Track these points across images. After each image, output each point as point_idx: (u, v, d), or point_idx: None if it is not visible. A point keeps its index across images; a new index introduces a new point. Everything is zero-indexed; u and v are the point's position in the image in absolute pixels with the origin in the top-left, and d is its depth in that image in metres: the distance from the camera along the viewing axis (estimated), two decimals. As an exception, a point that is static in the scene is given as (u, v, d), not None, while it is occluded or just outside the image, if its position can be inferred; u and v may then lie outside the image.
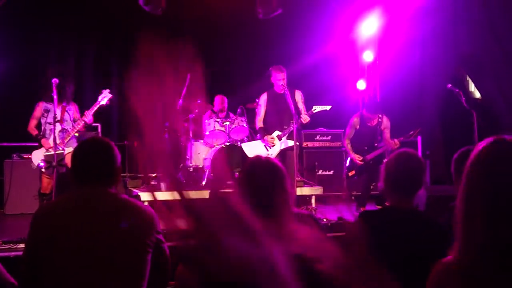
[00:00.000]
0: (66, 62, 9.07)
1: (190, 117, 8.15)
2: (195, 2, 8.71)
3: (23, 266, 2.37)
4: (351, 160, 7.22)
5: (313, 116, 6.94)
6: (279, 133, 7.00)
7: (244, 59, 10.18)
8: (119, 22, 9.10)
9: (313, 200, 7.16)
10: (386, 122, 7.12)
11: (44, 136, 6.48)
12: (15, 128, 8.22)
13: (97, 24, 9.04)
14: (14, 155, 7.62)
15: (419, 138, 8.78)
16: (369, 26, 9.61)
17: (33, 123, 6.57)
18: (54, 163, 5.89)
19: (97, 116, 7.19)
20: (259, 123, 7.22)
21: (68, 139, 6.47)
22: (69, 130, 6.49)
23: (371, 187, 7.08)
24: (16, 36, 8.49)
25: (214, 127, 7.99)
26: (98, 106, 6.62)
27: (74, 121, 6.61)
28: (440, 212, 2.99)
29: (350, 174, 7.30)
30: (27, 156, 7.58)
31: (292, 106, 6.65)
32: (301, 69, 9.29)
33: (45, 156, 6.41)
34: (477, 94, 9.10)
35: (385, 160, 6.76)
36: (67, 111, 6.59)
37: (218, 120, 8.08)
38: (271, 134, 7.05)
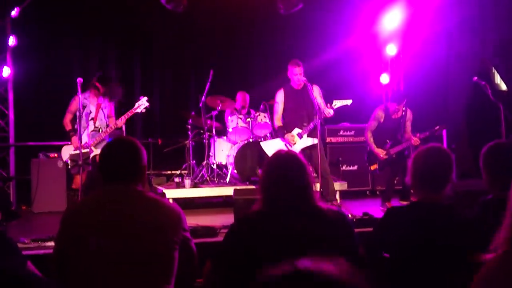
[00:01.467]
0: (89, 63, 9.17)
1: (213, 114, 8.17)
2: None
3: (53, 264, 2.41)
4: (372, 154, 7.02)
5: (335, 111, 6.69)
6: (299, 130, 6.66)
7: (266, 54, 10.16)
8: (141, 20, 9.16)
9: (337, 196, 7.12)
10: (409, 115, 6.99)
11: (75, 133, 6.56)
12: (41, 128, 8.36)
13: (119, 24, 9.09)
14: (41, 154, 7.73)
15: (444, 132, 8.65)
16: (392, 18, 9.49)
17: (68, 117, 6.71)
18: (80, 162, 5.95)
19: (122, 114, 7.30)
20: (277, 121, 6.87)
21: (98, 141, 6.57)
22: (102, 130, 6.59)
23: (395, 181, 6.97)
24: (42, 38, 8.61)
25: (237, 123, 8.00)
26: (133, 113, 6.67)
27: (108, 117, 6.73)
28: (468, 207, 2.94)
29: (372, 168, 7.13)
30: (53, 155, 7.69)
31: (315, 100, 6.42)
32: (323, 63, 9.25)
33: (71, 155, 6.51)
34: (503, 87, 8.94)
35: (406, 153, 6.71)
36: (102, 109, 6.68)
37: (241, 116, 8.08)
38: (290, 132, 6.71)
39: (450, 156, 2.65)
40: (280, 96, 6.84)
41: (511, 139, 7.06)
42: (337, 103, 6.62)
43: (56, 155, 7.70)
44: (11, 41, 7.86)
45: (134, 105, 6.70)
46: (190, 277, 2.59)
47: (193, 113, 8.49)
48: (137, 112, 6.71)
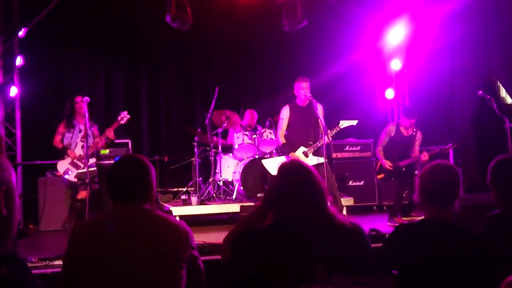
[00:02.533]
0: (96, 81, 9.24)
1: (219, 131, 8.20)
2: (221, 16, 8.79)
3: (60, 284, 2.41)
4: (381, 165, 7.12)
5: (342, 130, 6.70)
6: (305, 149, 6.60)
7: (271, 71, 10.20)
8: (147, 38, 9.24)
9: (344, 211, 7.10)
10: (419, 136, 7.08)
11: (69, 148, 6.97)
12: (48, 147, 8.40)
13: (125, 43, 9.17)
14: (48, 173, 7.77)
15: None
16: (396, 34, 9.54)
17: (58, 138, 7.11)
18: (87, 180, 5.99)
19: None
20: (281, 137, 6.80)
21: (90, 153, 6.78)
22: (90, 145, 6.83)
23: (403, 195, 6.97)
24: (48, 57, 8.68)
25: (243, 140, 8.01)
26: (118, 125, 7.09)
27: (94, 137, 7.06)
28: (475, 221, 2.93)
29: (379, 176, 7.20)
30: (60, 174, 7.72)
31: (321, 118, 6.42)
32: (328, 79, 9.28)
33: (78, 173, 6.56)
34: (509, 100, 8.93)
35: (416, 172, 6.75)
36: (90, 129, 6.95)
37: (247, 133, 8.09)
38: (295, 150, 6.64)
39: (457, 173, 2.65)
40: (285, 113, 6.80)
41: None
42: (344, 123, 6.67)
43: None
44: (18, 61, 7.94)
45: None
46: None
47: (199, 130, 8.52)
48: (121, 124, 7.14)
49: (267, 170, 7.17)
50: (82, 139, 6.88)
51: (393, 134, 7.06)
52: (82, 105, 6.78)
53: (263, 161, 7.17)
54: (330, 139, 6.56)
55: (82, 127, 6.96)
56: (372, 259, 2.52)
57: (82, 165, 6.85)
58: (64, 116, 7.18)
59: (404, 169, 6.95)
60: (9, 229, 1.09)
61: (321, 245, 2.37)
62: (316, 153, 6.60)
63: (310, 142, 6.62)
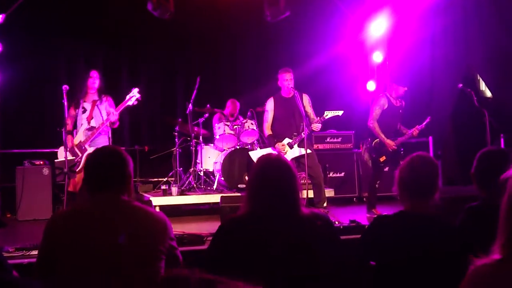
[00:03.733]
0: (76, 70, 9.11)
1: (200, 121, 8.16)
2: (203, 6, 8.72)
3: (36, 273, 2.37)
4: (381, 144, 6.70)
5: (325, 120, 6.66)
6: (290, 140, 6.62)
7: (253, 62, 10.18)
8: (129, 27, 9.13)
9: (325, 203, 7.12)
10: (403, 106, 6.91)
11: (71, 133, 6.50)
12: (27, 135, 8.30)
13: (106, 31, 9.06)
14: (26, 162, 7.65)
15: (430, 139, 8.72)
16: (378, 26, 9.57)
17: (70, 121, 6.57)
18: (65, 170, 5.90)
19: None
20: (267, 130, 6.81)
21: (92, 137, 6.46)
22: (96, 127, 6.49)
23: (376, 186, 6.77)
24: (28, 44, 8.54)
25: (224, 130, 7.98)
26: (125, 106, 6.63)
27: (108, 114, 6.59)
28: (454, 214, 2.95)
29: (381, 159, 6.71)
30: (38, 163, 7.63)
31: (302, 109, 6.42)
32: (311, 71, 9.29)
33: (56, 162, 6.43)
34: (488, 93, 9.03)
35: (402, 150, 6.56)
36: (97, 106, 6.57)
37: (228, 123, 8.07)
38: (281, 142, 6.66)
39: (436, 165, 2.66)
40: (270, 105, 6.81)
41: (498, 146, 7.12)
42: (329, 114, 6.56)
43: (41, 162, 7.65)
44: (-3, 47, 7.79)
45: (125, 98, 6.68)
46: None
47: (180, 120, 8.47)
48: (129, 105, 6.67)
49: (249, 161, 7.16)
50: (85, 119, 6.46)
51: (386, 106, 6.73)
52: (96, 81, 6.57)
53: (250, 153, 7.15)
54: (318, 129, 6.55)
55: (87, 105, 6.55)
56: (342, 250, 2.54)
57: (80, 154, 6.46)
58: (74, 97, 6.61)
59: (402, 150, 6.69)
60: None
61: (289, 237, 2.39)
62: (301, 144, 6.59)
63: (294, 134, 6.62)
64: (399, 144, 6.72)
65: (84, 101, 6.62)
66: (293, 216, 2.46)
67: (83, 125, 6.52)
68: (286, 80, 6.60)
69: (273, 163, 2.54)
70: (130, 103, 6.66)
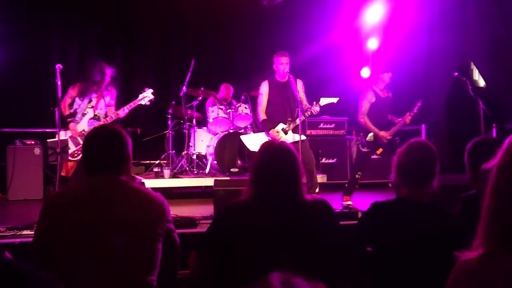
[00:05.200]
0: (69, 50, 9.02)
1: (193, 104, 8.12)
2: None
3: (32, 253, 2.35)
4: (375, 138, 6.61)
5: (321, 107, 6.58)
6: (284, 126, 6.52)
7: (247, 46, 10.12)
8: (123, 8, 9.04)
9: (316, 189, 7.13)
10: (391, 96, 6.81)
11: (74, 118, 6.32)
12: (18, 114, 8.23)
13: (100, 12, 8.96)
14: (17, 141, 7.59)
15: (423, 127, 8.74)
16: (374, 13, 9.54)
17: (67, 101, 6.30)
18: (58, 150, 5.85)
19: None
20: (262, 114, 6.66)
21: None
22: (101, 119, 6.38)
23: (357, 176, 6.67)
24: (17, 24, 8.44)
25: (218, 114, 7.94)
26: (137, 104, 6.49)
27: (108, 106, 6.48)
28: (447, 202, 2.95)
29: (378, 152, 6.64)
30: (29, 142, 7.57)
31: (297, 94, 6.30)
32: (305, 58, 9.24)
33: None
34: (482, 83, 9.05)
35: (398, 139, 6.55)
36: (103, 97, 6.42)
37: (222, 107, 8.03)
38: (275, 127, 6.55)
39: (434, 151, 2.64)
40: (264, 88, 6.67)
41: (491, 135, 7.15)
42: (324, 100, 6.46)
43: (33, 142, 7.59)
44: (-11, 26, 7.69)
45: (137, 96, 6.54)
46: (173, 269, 2.56)
47: (173, 102, 8.42)
48: (141, 104, 6.52)
49: (242, 145, 7.11)
50: (91, 108, 6.29)
51: (374, 99, 6.64)
52: (110, 78, 6.38)
53: (242, 137, 7.08)
54: (317, 111, 6.47)
55: (94, 96, 6.35)
56: (342, 236, 2.54)
57: (82, 143, 6.14)
58: (83, 79, 6.40)
59: (397, 138, 6.61)
60: None
61: (292, 223, 2.39)
62: (295, 130, 6.52)
63: (289, 119, 6.54)
64: (394, 134, 6.71)
65: (93, 92, 6.41)
66: (296, 201, 2.45)
67: (87, 114, 6.34)
68: (282, 63, 6.50)
69: (278, 149, 2.53)
70: (142, 102, 6.51)
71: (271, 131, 6.55)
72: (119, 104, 6.61)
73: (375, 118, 6.64)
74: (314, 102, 6.46)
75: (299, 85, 6.61)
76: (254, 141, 6.71)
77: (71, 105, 6.36)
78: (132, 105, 6.45)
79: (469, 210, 2.68)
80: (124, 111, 6.39)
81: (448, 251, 2.43)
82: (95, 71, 6.39)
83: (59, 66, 5.87)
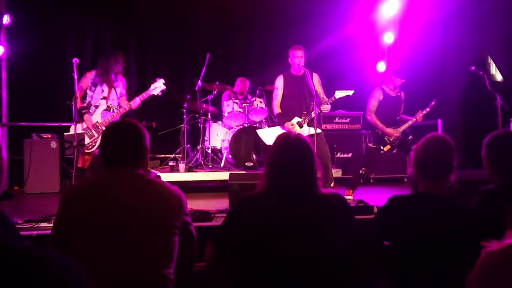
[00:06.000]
0: (84, 43, 9.08)
1: (209, 98, 8.13)
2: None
3: (51, 245, 2.37)
4: (383, 135, 6.64)
5: (336, 100, 6.59)
6: (299, 119, 6.54)
7: (263, 40, 10.10)
8: (137, 2, 9.06)
9: (332, 183, 7.11)
10: (403, 95, 6.82)
11: (88, 111, 6.32)
12: (35, 108, 8.30)
13: (115, 5, 9.00)
14: (34, 135, 7.67)
15: (439, 121, 8.67)
16: (390, 6, 9.47)
17: (78, 94, 6.22)
18: (74, 143, 5.89)
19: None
20: (277, 108, 6.70)
21: (110, 121, 6.25)
22: (114, 110, 6.39)
23: (361, 172, 6.67)
24: (37, 17, 8.53)
25: (233, 108, 7.95)
26: (149, 95, 6.49)
27: (120, 97, 6.49)
28: (465, 197, 2.93)
29: (385, 149, 6.67)
30: (46, 136, 7.64)
31: (312, 87, 6.31)
32: (321, 52, 9.21)
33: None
34: (499, 77, 8.94)
35: (410, 138, 6.53)
36: (114, 88, 6.43)
37: (237, 101, 8.03)
38: (290, 120, 6.57)
39: (451, 146, 2.62)
40: (279, 82, 6.70)
41: (508, 130, 7.06)
42: (340, 93, 6.46)
43: (49, 135, 7.66)
44: (5, 19, 7.75)
45: (149, 86, 6.54)
46: (189, 262, 2.57)
47: (188, 96, 8.44)
48: (153, 95, 6.51)
49: (258, 139, 7.12)
50: (103, 99, 6.29)
51: (381, 97, 6.69)
52: (121, 67, 6.39)
53: (258, 131, 7.10)
54: (327, 110, 6.50)
55: (104, 87, 6.35)
56: (358, 231, 2.53)
57: (96, 135, 6.28)
58: (95, 70, 6.37)
59: (410, 137, 6.61)
60: None
61: (306, 216, 2.38)
62: (310, 124, 6.52)
63: (304, 112, 6.55)
64: (405, 131, 6.69)
65: (103, 83, 6.41)
66: (311, 195, 2.44)
67: (100, 105, 6.34)
68: (297, 57, 6.50)
69: (294, 142, 2.51)
70: (154, 92, 6.50)
71: (286, 124, 6.56)
72: (131, 97, 6.61)
73: (383, 116, 6.66)
74: (326, 99, 6.46)
75: (315, 79, 6.61)
76: (270, 135, 6.74)
77: (83, 98, 6.36)
78: (144, 95, 6.45)
79: (488, 204, 2.66)
80: (136, 102, 6.40)
81: (467, 244, 2.43)
82: (103, 60, 6.42)
83: (75, 60, 5.91)
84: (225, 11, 9.34)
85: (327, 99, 6.47)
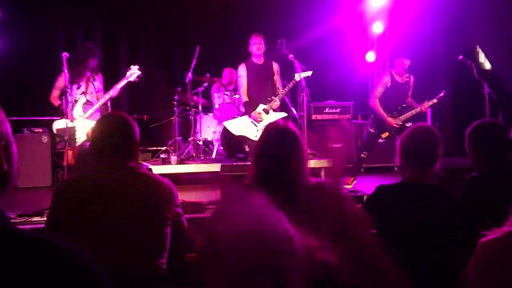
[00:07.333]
0: (75, 37, 9.05)
1: (199, 90, 8.14)
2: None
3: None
4: (383, 122, 6.67)
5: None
6: (265, 106, 6.66)
7: (251, 31, 10.08)
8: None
9: (322, 173, 7.16)
10: (412, 80, 6.84)
11: (67, 107, 6.31)
12: (26, 102, 8.27)
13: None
14: (25, 129, 7.66)
15: (428, 111, 8.73)
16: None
17: (55, 93, 6.45)
18: (66, 137, 5.90)
19: (105, 89, 7.16)
20: (244, 96, 6.82)
21: (91, 111, 6.42)
22: (93, 102, 6.46)
23: (363, 156, 6.76)
24: (27, 11, 8.47)
25: (224, 100, 7.98)
26: (126, 81, 6.57)
27: (97, 92, 6.56)
28: (451, 184, 2.98)
29: (383, 136, 6.74)
30: (37, 130, 7.63)
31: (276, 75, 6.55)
32: (309, 42, 9.22)
33: (57, 130, 6.41)
34: (487, 65, 9.01)
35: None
36: (91, 82, 6.51)
37: (227, 93, 8.06)
38: (255, 109, 6.69)
39: (437, 135, 2.67)
40: (242, 70, 6.84)
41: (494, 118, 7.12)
42: (298, 76, 6.52)
43: (41, 130, 7.65)
44: (-5, 14, 7.70)
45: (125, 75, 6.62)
46: (181, 252, 2.62)
47: (179, 89, 8.44)
48: (130, 81, 6.61)
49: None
50: (82, 94, 6.39)
51: (389, 84, 6.69)
52: (96, 61, 6.54)
53: (225, 123, 7.16)
54: (277, 105, 6.68)
55: (82, 83, 6.46)
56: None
57: (79, 129, 6.34)
58: (68, 68, 6.25)
59: (409, 124, 6.58)
60: (10, 183, 1.08)
61: (292, 205, 2.39)
62: (277, 109, 6.70)
63: (269, 99, 6.66)
64: (405, 120, 6.70)
65: (79, 77, 6.51)
66: (296, 185, 2.44)
67: (80, 99, 6.44)
68: (255, 44, 6.63)
69: (278, 131, 2.50)
70: (131, 79, 6.59)
71: (252, 113, 6.69)
72: (108, 89, 6.66)
73: (388, 103, 6.68)
74: (287, 85, 6.64)
75: (275, 68, 6.82)
76: (237, 126, 6.80)
77: (61, 96, 6.39)
78: (120, 82, 6.53)
79: (472, 192, 2.72)
80: (116, 89, 6.46)
81: (454, 232, 2.48)
82: (79, 54, 6.53)
83: (65, 55, 5.92)
84: (214, 2, 9.33)
85: (282, 89, 6.57)
